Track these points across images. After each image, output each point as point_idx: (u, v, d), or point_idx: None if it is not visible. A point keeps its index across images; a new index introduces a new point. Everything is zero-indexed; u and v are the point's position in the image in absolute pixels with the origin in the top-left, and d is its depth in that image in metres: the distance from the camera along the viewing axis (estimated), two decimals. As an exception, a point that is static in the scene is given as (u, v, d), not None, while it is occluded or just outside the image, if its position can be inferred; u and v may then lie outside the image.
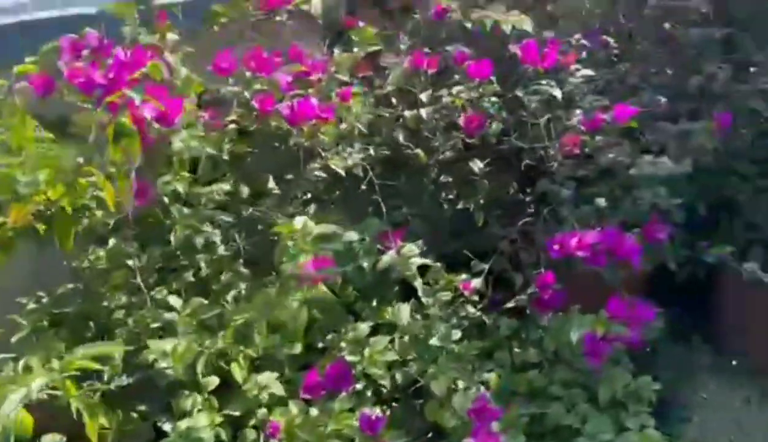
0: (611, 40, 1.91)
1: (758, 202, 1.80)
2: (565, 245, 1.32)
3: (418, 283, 1.33)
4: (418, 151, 1.40)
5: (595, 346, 1.25)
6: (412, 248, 1.33)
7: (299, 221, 1.12)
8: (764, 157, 1.89)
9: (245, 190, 1.50)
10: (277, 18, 1.50)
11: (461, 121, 1.38)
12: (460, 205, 1.59)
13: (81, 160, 0.87)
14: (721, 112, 1.67)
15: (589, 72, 1.55)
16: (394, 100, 1.52)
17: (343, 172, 1.33)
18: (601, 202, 1.54)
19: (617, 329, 1.23)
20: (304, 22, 1.61)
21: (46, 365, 0.84)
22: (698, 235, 1.87)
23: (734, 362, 1.80)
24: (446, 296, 1.41)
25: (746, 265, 1.53)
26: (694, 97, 1.84)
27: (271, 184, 1.53)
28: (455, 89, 1.42)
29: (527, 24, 1.60)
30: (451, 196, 1.61)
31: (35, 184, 0.87)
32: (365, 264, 1.35)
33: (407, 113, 1.40)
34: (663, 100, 1.81)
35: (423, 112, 1.38)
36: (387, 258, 1.30)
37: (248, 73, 1.33)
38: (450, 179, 1.57)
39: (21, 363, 0.86)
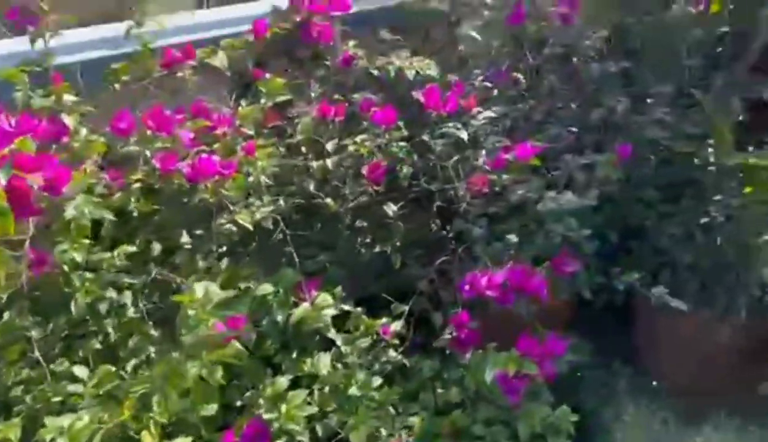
0: (520, 77, 1.99)
1: (663, 227, 1.88)
2: (475, 285, 1.34)
3: (332, 334, 1.33)
4: (328, 200, 1.41)
5: (510, 384, 1.27)
6: (326, 298, 1.32)
7: (200, 289, 1.10)
8: (666, 184, 1.98)
9: (157, 247, 1.47)
10: (179, 74, 1.50)
11: (365, 169, 1.40)
12: (377, 249, 1.60)
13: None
14: (622, 144, 1.75)
15: (491, 113, 1.60)
16: (304, 149, 1.53)
17: (251, 227, 1.32)
18: (512, 238, 1.58)
19: (528, 367, 1.25)
20: (210, 75, 1.61)
21: None
22: (612, 262, 1.95)
23: (654, 384, 1.86)
24: (365, 342, 1.41)
25: (654, 290, 1.59)
26: (598, 129, 1.93)
27: (185, 238, 1.50)
28: (360, 138, 1.44)
29: (432, 68, 1.64)
30: (367, 240, 1.61)
31: None
32: (279, 318, 1.34)
33: (314, 163, 1.41)
34: (568, 134, 1.89)
35: (329, 161, 1.39)
36: (300, 311, 1.30)
37: (149, 132, 1.31)
38: (365, 224, 1.58)
39: None
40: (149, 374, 1.11)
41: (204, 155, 1.29)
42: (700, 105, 2.02)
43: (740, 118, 2.29)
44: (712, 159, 1.96)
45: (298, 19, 1.80)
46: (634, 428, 1.62)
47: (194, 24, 1.74)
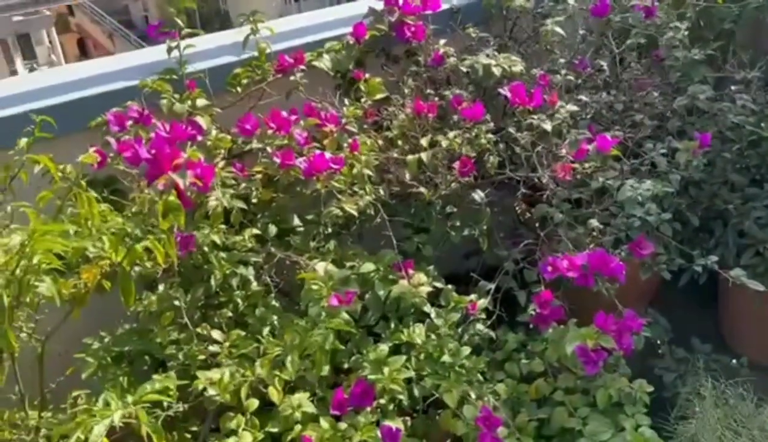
0: (605, 65, 2.07)
1: (747, 210, 1.93)
2: (557, 267, 1.47)
3: (427, 308, 1.50)
4: (422, 189, 1.58)
5: (588, 356, 1.40)
6: (421, 277, 1.50)
7: (320, 267, 1.29)
8: (752, 167, 2.02)
9: (273, 230, 1.70)
10: (291, 78, 1.70)
11: (456, 164, 1.55)
12: (465, 232, 1.76)
13: (138, 231, 1.06)
14: (703, 131, 1.81)
15: (573, 107, 1.70)
16: (400, 143, 1.70)
17: (356, 214, 1.51)
18: (593, 222, 1.69)
19: (605, 341, 1.38)
20: (316, 76, 1.80)
21: (122, 400, 1.03)
22: (695, 244, 2.02)
23: (733, 362, 1.93)
24: (455, 317, 1.58)
25: (732, 272, 1.66)
26: (681, 117, 1.99)
27: (297, 221, 1.72)
28: (452, 134, 1.59)
29: (517, 65, 1.77)
30: (457, 224, 1.77)
31: (102, 250, 1.06)
32: (381, 293, 1.53)
33: (409, 157, 1.58)
34: (651, 121, 1.96)
35: (423, 155, 1.56)
36: (398, 287, 1.48)
37: (269, 131, 1.52)
38: (455, 209, 1.74)
39: (101, 399, 1.06)
40: (279, 340, 1.33)
41: (317, 152, 1.48)
42: (788, 89, 2.04)
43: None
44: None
45: (392, 20, 1.96)
46: (710, 402, 1.71)
47: (299, 28, 1.93)
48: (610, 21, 1.94)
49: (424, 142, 1.59)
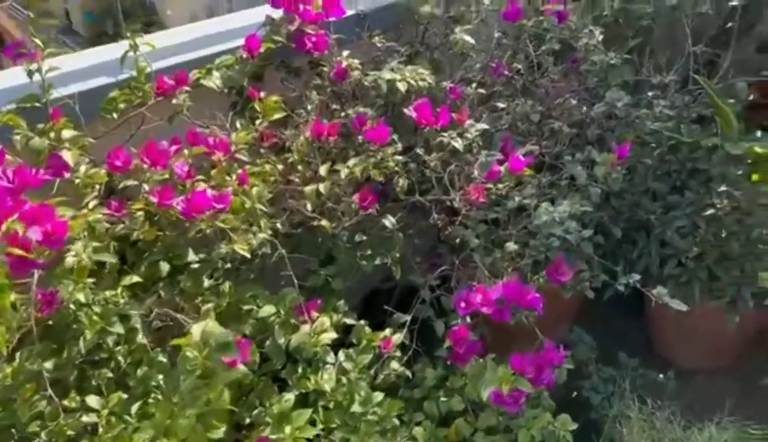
0: (520, 72, 1.96)
1: (668, 220, 1.87)
2: (470, 302, 1.36)
3: (331, 358, 1.36)
4: (323, 222, 1.43)
5: (505, 399, 1.30)
6: (324, 322, 1.36)
7: (196, 330, 1.13)
8: (672, 173, 1.96)
9: (165, 268, 1.52)
10: (174, 100, 1.51)
11: (356, 197, 1.41)
12: (378, 261, 1.63)
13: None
14: (621, 142, 1.73)
15: (483, 125, 1.59)
16: (300, 168, 1.54)
17: (248, 255, 1.35)
18: (511, 246, 1.59)
19: (521, 384, 1.28)
20: (206, 96, 1.62)
21: None
22: (618, 256, 1.95)
23: (660, 377, 1.88)
24: (366, 359, 1.45)
25: (655, 291, 1.59)
26: (600, 123, 1.91)
27: (192, 256, 1.54)
28: (352, 162, 1.45)
29: (426, 78, 1.63)
30: (368, 253, 1.64)
31: None
32: (281, 341, 1.38)
33: (306, 189, 1.43)
34: (569, 129, 1.88)
35: (322, 186, 1.41)
36: (297, 337, 1.33)
37: (145, 166, 1.34)
38: (364, 238, 1.60)
39: None
40: (165, 405, 1.16)
41: (198, 189, 1.32)
42: (705, 91, 1.99)
43: (750, 98, 2.25)
44: (717, 147, 1.94)
45: (292, 29, 1.80)
46: (636, 427, 1.64)
47: (187, 42, 1.74)
48: (523, 26, 1.83)
49: (322, 170, 1.44)
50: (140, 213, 1.44)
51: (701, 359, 2.19)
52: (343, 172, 1.40)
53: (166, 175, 1.38)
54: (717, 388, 1.96)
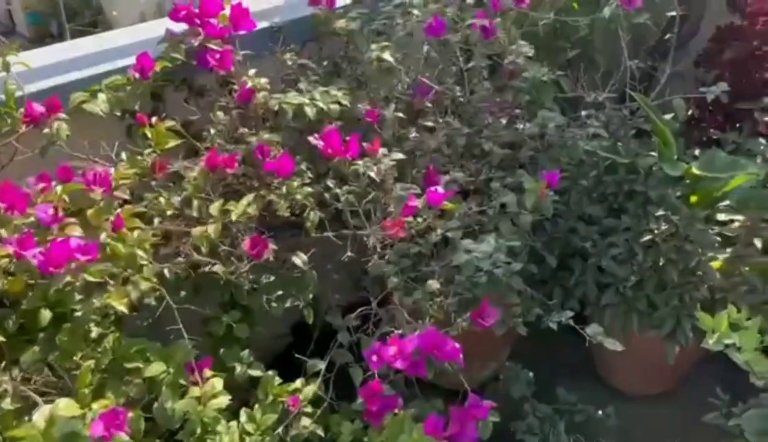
0: (450, 82, 1.83)
1: (604, 247, 1.76)
2: (382, 356, 1.21)
3: (221, 427, 1.20)
4: (217, 267, 1.27)
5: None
6: (215, 385, 1.19)
7: (39, 416, 0.95)
8: (610, 195, 1.86)
9: (47, 316, 1.33)
10: (46, 131, 1.32)
11: (245, 245, 1.25)
12: (288, 304, 1.47)
13: None
14: (550, 170, 1.61)
15: (399, 155, 1.45)
16: (197, 203, 1.37)
17: (126, 310, 1.18)
18: (433, 285, 1.45)
19: (437, 453, 1.14)
20: (90, 122, 1.44)
21: None
22: (553, 286, 1.84)
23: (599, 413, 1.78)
24: (271, 418, 1.29)
25: (588, 330, 1.48)
26: (534, 143, 1.79)
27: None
28: (245, 200, 1.28)
29: (339, 101, 1.48)
30: (279, 293, 1.48)
31: None
32: (168, 406, 1.21)
33: (194, 231, 1.26)
34: (500, 150, 1.75)
35: (211, 229, 1.24)
36: (183, 404, 1.16)
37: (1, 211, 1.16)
38: (272, 278, 1.45)
39: None
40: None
41: (66, 236, 1.14)
42: (641, 108, 1.89)
43: (689, 113, 2.17)
44: (655, 168, 1.84)
45: (195, 44, 1.63)
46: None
47: (70, 60, 1.55)
48: (449, 41, 1.70)
49: (213, 209, 1.27)
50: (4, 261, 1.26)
51: (645, 385, 2.11)
52: (235, 214, 1.24)
53: (31, 219, 1.19)
54: (659, 416, 1.87)
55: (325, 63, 1.87)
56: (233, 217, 1.24)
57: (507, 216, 1.62)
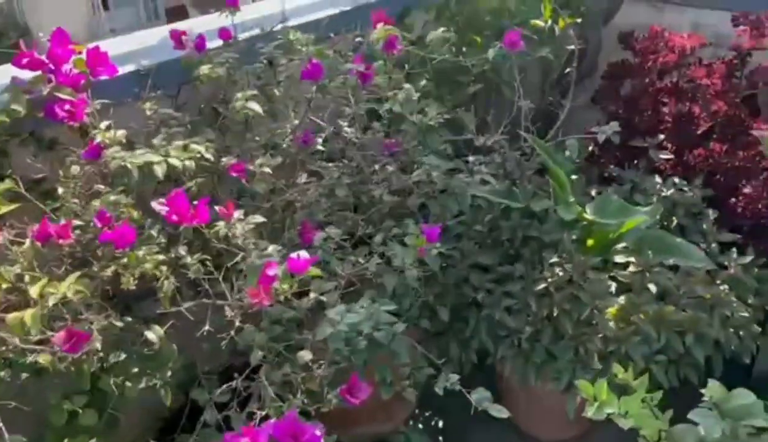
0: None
1: (497, 298, 1.68)
2: (238, 446, 1.08)
3: None
4: (41, 358, 1.10)
5: None
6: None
7: None
8: (506, 240, 1.79)
9: None
10: None
11: (59, 336, 1.09)
12: (143, 384, 1.32)
13: None
14: (431, 225, 1.51)
15: (258, 218, 1.32)
16: (27, 279, 1.21)
17: None
18: (305, 356, 1.33)
19: None
20: None
21: None
22: (447, 338, 1.75)
23: None
24: None
25: (474, 396, 1.38)
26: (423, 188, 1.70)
27: None
28: (70, 279, 1.13)
29: (206, 153, 1.35)
30: (135, 371, 1.33)
31: None
32: None
33: (9, 317, 1.10)
34: (390, 196, 1.66)
35: (28, 316, 1.08)
36: None
37: None
38: (123, 356, 1.30)
39: None
40: None
41: None
42: (535, 150, 1.83)
43: (589, 150, 2.13)
44: (551, 211, 1.78)
45: (44, 93, 1.47)
46: None
47: None
48: (326, 87, 1.59)
49: (33, 291, 1.12)
50: None
51: (558, 431, 2.04)
52: (53, 298, 1.09)
53: None
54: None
55: (202, 105, 1.74)
56: (50, 303, 1.09)
57: (393, 271, 1.52)
